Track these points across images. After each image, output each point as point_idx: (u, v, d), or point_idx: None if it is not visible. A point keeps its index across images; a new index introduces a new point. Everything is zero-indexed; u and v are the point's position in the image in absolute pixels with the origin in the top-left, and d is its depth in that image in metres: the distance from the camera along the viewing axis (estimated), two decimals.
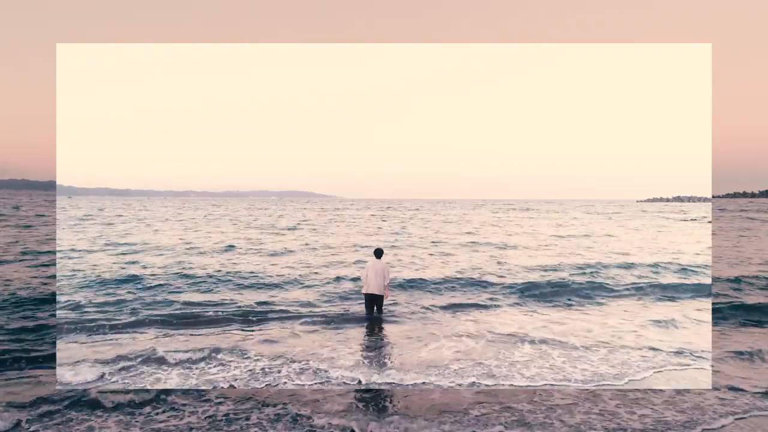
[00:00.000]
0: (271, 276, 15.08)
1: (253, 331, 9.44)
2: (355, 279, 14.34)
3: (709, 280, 14.68)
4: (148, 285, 13.34)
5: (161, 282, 13.80)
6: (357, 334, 9.51)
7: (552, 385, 7.05)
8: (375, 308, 10.41)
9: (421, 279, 14.67)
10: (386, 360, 8.03)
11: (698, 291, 13.62)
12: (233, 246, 23.13)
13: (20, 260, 17.37)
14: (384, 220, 49.52)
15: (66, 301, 11.25)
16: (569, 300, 12.64)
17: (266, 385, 6.88)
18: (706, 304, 12.02)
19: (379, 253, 10.55)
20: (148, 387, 6.71)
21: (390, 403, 6.46)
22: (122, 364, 7.53)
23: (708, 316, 10.83)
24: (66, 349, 8.17)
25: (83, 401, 6.25)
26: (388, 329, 9.88)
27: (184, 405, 6.21)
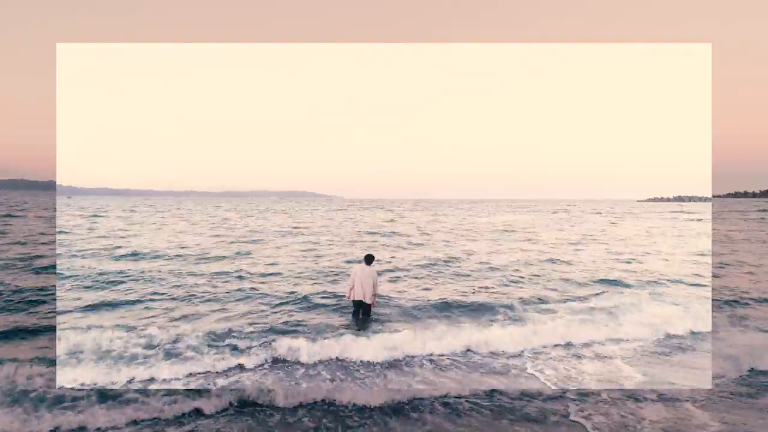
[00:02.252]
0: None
1: None
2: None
3: None
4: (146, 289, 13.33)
5: (154, 287, 13.78)
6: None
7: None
8: (362, 313, 10.01)
9: None
10: None
11: None
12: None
13: (21, 260, 17.36)
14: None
15: (65, 302, 11.28)
16: None
17: None
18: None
19: (369, 259, 10.15)
20: (148, 387, 6.73)
21: None
22: (124, 364, 7.56)
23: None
24: (66, 349, 8.17)
25: (83, 401, 6.27)
26: None
27: (188, 404, 6.24)
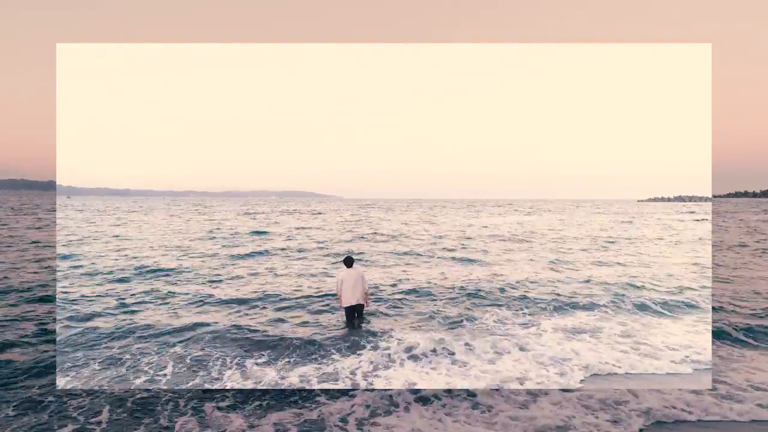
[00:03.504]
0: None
1: None
2: None
3: None
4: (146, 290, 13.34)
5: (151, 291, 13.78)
6: None
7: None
8: (356, 316, 9.92)
9: None
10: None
11: None
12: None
13: (23, 260, 17.38)
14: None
15: (66, 301, 11.32)
16: None
17: None
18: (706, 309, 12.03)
19: (349, 261, 9.98)
20: (145, 388, 6.78)
21: None
22: (123, 364, 7.61)
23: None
24: (66, 350, 8.23)
25: (82, 402, 6.31)
26: None
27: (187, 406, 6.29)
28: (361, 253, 21.33)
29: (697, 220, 50.68)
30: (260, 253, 21.20)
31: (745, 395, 6.83)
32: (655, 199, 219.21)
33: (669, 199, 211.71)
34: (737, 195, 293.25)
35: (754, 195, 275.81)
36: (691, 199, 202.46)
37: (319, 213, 66.62)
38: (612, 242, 27.33)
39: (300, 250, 22.06)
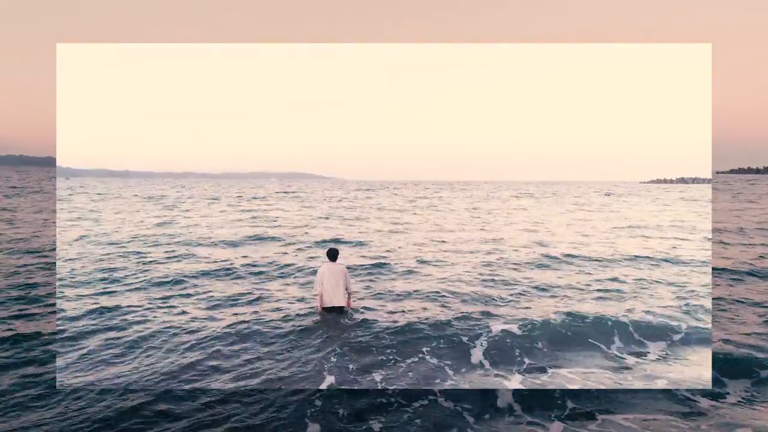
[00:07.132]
0: None
1: None
2: None
3: None
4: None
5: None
6: None
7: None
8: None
9: None
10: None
11: None
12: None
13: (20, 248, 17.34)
14: None
15: (66, 298, 11.38)
16: None
17: None
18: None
19: (333, 254, 8.79)
20: (146, 387, 6.88)
21: None
22: (125, 362, 7.70)
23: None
24: (66, 347, 8.25)
25: (82, 402, 6.40)
26: None
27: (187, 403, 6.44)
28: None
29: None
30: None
31: None
32: (658, 181, 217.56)
33: (671, 181, 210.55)
34: (740, 171, 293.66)
35: (758, 171, 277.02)
36: (693, 180, 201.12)
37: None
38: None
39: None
